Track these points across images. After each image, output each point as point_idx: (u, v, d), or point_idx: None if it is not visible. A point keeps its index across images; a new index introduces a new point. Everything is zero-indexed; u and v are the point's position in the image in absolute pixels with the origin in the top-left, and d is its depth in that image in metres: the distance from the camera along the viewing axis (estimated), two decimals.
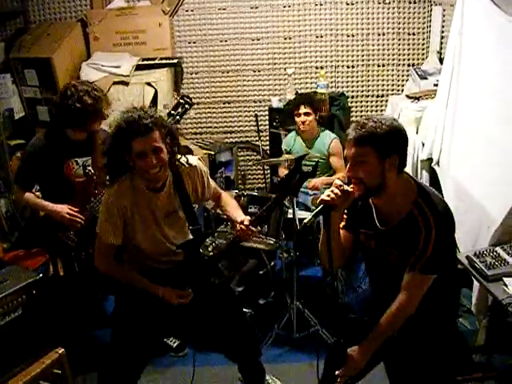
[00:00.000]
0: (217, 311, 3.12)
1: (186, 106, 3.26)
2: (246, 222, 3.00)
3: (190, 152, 5.50)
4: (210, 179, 3.18)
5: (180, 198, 2.95)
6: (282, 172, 4.98)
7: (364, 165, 2.34)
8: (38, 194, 3.72)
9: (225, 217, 4.29)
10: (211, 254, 3.16)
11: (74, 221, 3.50)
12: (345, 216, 2.66)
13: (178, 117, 3.29)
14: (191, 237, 3.03)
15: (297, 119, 4.80)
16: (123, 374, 3.01)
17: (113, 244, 2.90)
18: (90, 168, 3.60)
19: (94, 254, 3.01)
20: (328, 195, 2.37)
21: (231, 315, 3.22)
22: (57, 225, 3.56)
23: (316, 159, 4.52)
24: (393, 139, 2.35)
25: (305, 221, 2.36)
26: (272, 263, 4.39)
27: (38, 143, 3.56)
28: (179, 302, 2.94)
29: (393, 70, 6.06)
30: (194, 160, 3.05)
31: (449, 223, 2.46)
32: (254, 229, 3.01)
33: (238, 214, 3.17)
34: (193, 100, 3.32)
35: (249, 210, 4.00)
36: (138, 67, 5.50)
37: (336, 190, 2.37)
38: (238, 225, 3.04)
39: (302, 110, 4.74)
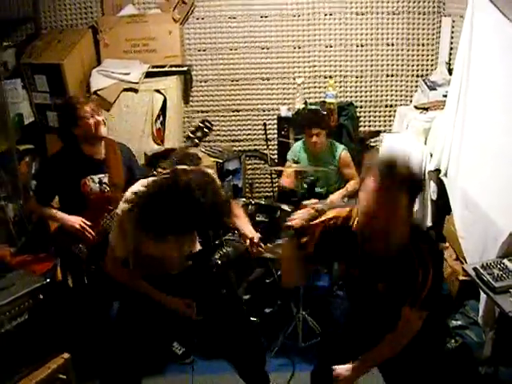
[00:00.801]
0: (223, 318, 3.12)
1: (206, 129, 3.32)
2: (256, 240, 3.00)
3: (199, 160, 5.51)
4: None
5: None
6: (284, 181, 4.96)
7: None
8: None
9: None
10: (219, 261, 3.16)
11: (86, 233, 3.54)
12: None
13: (196, 140, 3.32)
14: (200, 247, 3.04)
15: (308, 138, 4.80)
16: (124, 378, 3.02)
17: (121, 256, 2.90)
18: (105, 185, 3.64)
19: (105, 259, 3.01)
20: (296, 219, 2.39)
21: (237, 323, 3.22)
22: (70, 237, 3.60)
23: (322, 171, 4.56)
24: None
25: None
26: (279, 272, 4.38)
27: (55, 159, 3.67)
28: (184, 313, 2.94)
29: (401, 81, 6.06)
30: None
31: (441, 259, 2.51)
32: (263, 246, 3.02)
33: (247, 229, 3.17)
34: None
35: (256, 219, 4.00)
36: (148, 74, 5.52)
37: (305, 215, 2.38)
38: (247, 240, 3.04)
39: (313, 131, 4.72)
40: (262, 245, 3.06)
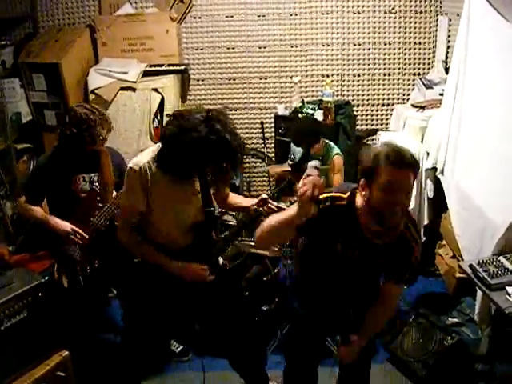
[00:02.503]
0: (223, 313, 3.16)
1: None
2: (265, 196, 3.13)
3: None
4: None
5: (200, 182, 2.97)
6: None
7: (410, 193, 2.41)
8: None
9: (230, 223, 4.34)
10: (223, 236, 3.19)
11: (76, 239, 3.55)
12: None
13: None
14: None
15: None
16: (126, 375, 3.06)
17: (133, 208, 2.91)
18: (96, 184, 3.65)
19: (117, 226, 3.06)
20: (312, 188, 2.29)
21: (237, 320, 3.25)
22: (61, 239, 3.60)
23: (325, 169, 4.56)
24: None
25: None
26: (276, 270, 4.40)
27: (48, 157, 3.67)
28: (195, 277, 2.96)
29: (398, 79, 6.07)
30: None
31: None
32: (274, 203, 3.13)
33: (249, 201, 3.27)
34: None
35: None
36: (145, 73, 5.53)
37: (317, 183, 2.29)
38: (258, 204, 3.14)
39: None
40: (272, 201, 3.14)
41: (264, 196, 3.16)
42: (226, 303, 3.18)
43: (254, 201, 3.19)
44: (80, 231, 3.54)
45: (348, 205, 2.49)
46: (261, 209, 3.12)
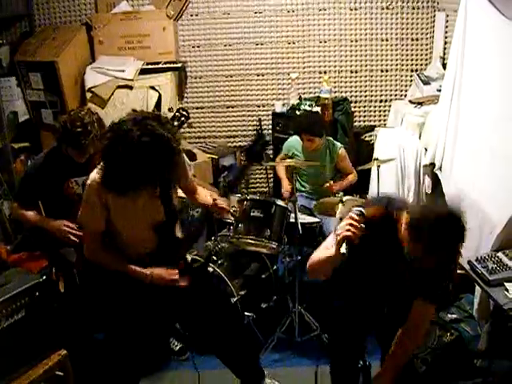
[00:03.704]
0: (208, 314, 3.16)
1: (182, 118, 3.25)
2: (215, 196, 3.18)
3: (194, 156, 5.52)
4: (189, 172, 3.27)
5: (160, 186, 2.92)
6: (279, 170, 5.08)
7: None
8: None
9: (228, 221, 4.33)
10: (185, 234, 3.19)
11: (70, 236, 3.53)
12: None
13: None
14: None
15: (302, 140, 4.81)
16: (124, 374, 3.04)
17: (96, 230, 2.89)
18: None
19: (84, 246, 3.02)
20: (348, 230, 2.41)
21: (224, 320, 3.24)
22: (57, 240, 3.59)
23: (315, 167, 4.59)
24: None
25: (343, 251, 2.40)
26: (274, 267, 4.39)
27: (39, 162, 3.63)
28: (168, 282, 2.93)
29: (396, 76, 6.07)
30: None
31: None
32: (222, 200, 3.18)
33: (207, 198, 3.28)
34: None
35: (251, 214, 4.00)
36: (142, 71, 5.52)
37: (355, 224, 2.41)
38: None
39: (305, 137, 4.72)
40: (220, 201, 3.18)
41: (214, 196, 3.22)
42: (204, 301, 3.16)
43: (210, 196, 3.25)
44: (73, 225, 3.52)
45: (389, 220, 2.52)
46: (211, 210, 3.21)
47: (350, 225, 2.41)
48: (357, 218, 2.44)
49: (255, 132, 6.03)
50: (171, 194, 2.99)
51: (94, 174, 2.82)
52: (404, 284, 2.66)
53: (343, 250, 2.38)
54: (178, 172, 2.92)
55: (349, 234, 2.40)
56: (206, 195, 3.33)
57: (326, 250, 2.63)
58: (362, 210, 2.47)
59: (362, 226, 2.43)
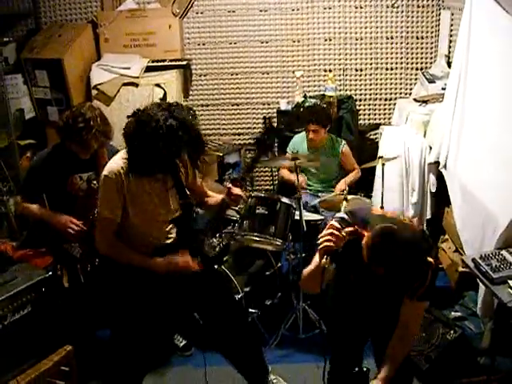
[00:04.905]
0: (215, 310, 3.18)
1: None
2: (229, 185, 3.11)
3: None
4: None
5: (172, 177, 2.97)
6: (283, 172, 5.09)
7: None
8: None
9: (234, 218, 4.34)
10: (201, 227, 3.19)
11: (75, 232, 3.52)
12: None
13: None
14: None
15: (307, 133, 4.86)
16: (129, 370, 3.06)
17: (111, 219, 2.90)
18: (94, 182, 3.62)
19: (95, 234, 3.03)
20: (329, 240, 2.37)
21: (230, 315, 3.26)
22: (62, 236, 3.59)
23: (321, 164, 4.60)
24: None
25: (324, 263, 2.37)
26: (279, 264, 4.40)
27: (44, 156, 3.62)
28: (183, 267, 2.94)
29: (401, 74, 6.07)
30: None
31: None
32: (238, 190, 3.10)
33: (217, 197, 3.28)
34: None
35: (256, 211, 4.01)
36: (148, 69, 5.53)
37: (335, 233, 2.38)
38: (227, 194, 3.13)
39: (311, 127, 4.77)
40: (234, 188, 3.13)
41: (228, 185, 3.16)
42: (210, 297, 3.18)
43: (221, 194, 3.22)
44: (77, 222, 3.51)
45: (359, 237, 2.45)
46: (226, 200, 3.13)
47: (331, 234, 2.37)
48: (337, 225, 2.40)
49: (264, 125, 6.02)
50: (185, 189, 3.03)
51: (112, 165, 2.87)
52: (385, 292, 2.60)
53: (324, 262, 2.34)
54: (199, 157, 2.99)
55: (328, 244, 2.36)
56: (215, 199, 3.34)
57: (314, 263, 2.58)
58: (344, 217, 2.44)
59: (344, 233, 2.38)
